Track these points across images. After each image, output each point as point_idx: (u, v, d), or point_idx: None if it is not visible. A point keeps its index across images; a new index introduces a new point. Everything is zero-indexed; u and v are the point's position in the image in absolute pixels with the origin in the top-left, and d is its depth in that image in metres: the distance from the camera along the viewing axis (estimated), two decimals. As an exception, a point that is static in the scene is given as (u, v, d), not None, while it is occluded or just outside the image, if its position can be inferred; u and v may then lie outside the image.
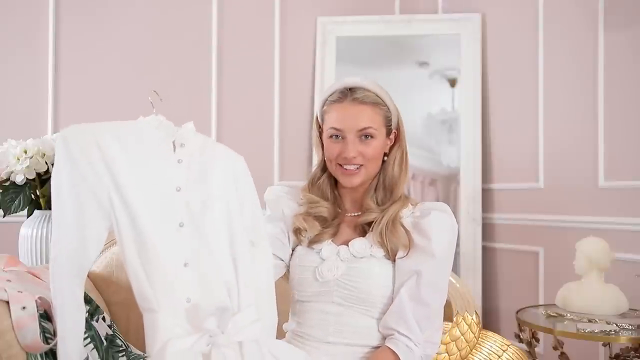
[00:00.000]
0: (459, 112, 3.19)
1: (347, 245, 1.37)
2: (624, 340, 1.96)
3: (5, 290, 1.08)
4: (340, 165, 1.38)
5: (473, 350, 1.57)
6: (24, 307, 1.06)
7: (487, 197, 3.14)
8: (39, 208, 1.77)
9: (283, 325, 1.45)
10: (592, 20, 2.67)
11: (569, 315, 2.16)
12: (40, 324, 1.05)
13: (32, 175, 1.71)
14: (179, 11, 3.16)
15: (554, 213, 2.84)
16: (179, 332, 1.08)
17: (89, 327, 1.15)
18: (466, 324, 1.59)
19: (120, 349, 1.22)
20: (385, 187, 1.42)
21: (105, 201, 1.07)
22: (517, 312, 2.29)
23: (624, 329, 1.99)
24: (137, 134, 1.14)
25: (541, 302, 2.84)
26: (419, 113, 3.24)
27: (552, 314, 2.19)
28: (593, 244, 2.21)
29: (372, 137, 1.37)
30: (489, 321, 3.10)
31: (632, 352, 2.05)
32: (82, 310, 1.06)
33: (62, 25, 3.03)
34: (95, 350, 1.14)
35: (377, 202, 1.41)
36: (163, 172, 1.14)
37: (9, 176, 1.73)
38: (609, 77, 2.61)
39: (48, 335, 1.06)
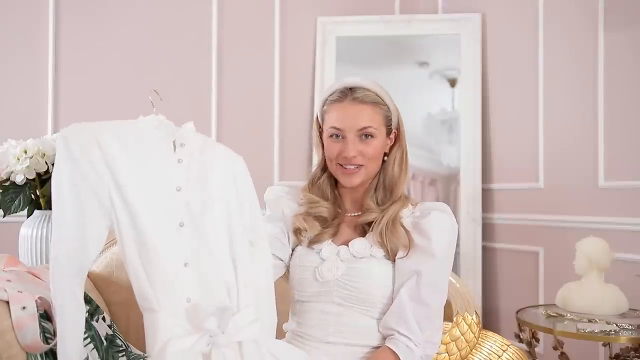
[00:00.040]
0: (459, 112, 3.19)
1: (347, 246, 1.37)
2: (624, 340, 1.96)
3: (5, 290, 1.08)
4: (341, 165, 1.38)
5: (473, 350, 1.57)
6: (24, 307, 1.06)
7: (487, 197, 3.14)
8: (39, 208, 1.77)
9: (283, 325, 1.45)
10: (592, 20, 2.67)
11: (569, 315, 2.16)
12: (40, 324, 1.05)
13: (32, 175, 1.71)
14: (179, 11, 3.16)
15: (554, 213, 2.84)
16: (179, 332, 1.08)
17: (89, 327, 1.15)
18: (466, 324, 1.59)
19: (120, 349, 1.22)
20: (385, 187, 1.41)
21: (105, 200, 1.07)
22: (517, 312, 2.29)
23: (624, 329, 1.99)
24: (137, 133, 1.14)
25: (541, 302, 2.84)
26: (419, 113, 3.24)
27: (552, 314, 2.19)
28: (593, 244, 2.21)
29: (372, 136, 1.37)
30: (489, 321, 3.10)
31: (632, 352, 2.05)
32: (82, 310, 1.06)
33: (62, 25, 3.03)
34: (95, 350, 1.14)
35: (377, 202, 1.41)
36: (163, 171, 1.14)
37: (9, 176, 1.73)
38: (609, 77, 2.61)
39: (48, 335, 1.06)
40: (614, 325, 2.01)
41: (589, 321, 2.07)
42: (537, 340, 2.25)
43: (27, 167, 1.69)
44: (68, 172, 1.05)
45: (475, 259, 3.08)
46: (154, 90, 1.23)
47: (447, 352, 1.55)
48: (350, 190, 1.44)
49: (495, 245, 3.13)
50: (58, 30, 3.02)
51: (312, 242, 1.40)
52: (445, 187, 3.24)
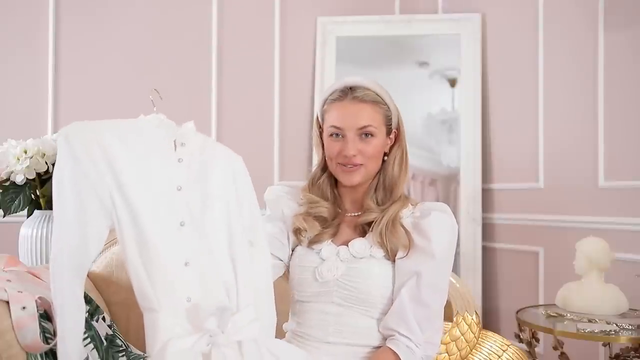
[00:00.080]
0: (459, 112, 3.19)
1: (347, 246, 1.37)
2: (624, 340, 1.96)
3: (5, 290, 1.08)
4: (341, 163, 1.38)
5: (473, 350, 1.57)
6: (24, 307, 1.06)
7: (487, 197, 3.14)
8: (39, 208, 1.77)
9: (283, 325, 1.45)
10: (592, 20, 2.67)
11: (569, 315, 2.16)
12: (40, 324, 1.05)
13: (32, 175, 1.71)
14: (179, 11, 3.16)
15: (554, 213, 2.84)
16: (179, 331, 1.07)
17: (89, 327, 1.15)
18: (466, 324, 1.59)
19: (120, 349, 1.22)
20: (385, 187, 1.41)
21: (106, 200, 1.07)
22: (517, 312, 2.29)
23: (624, 329, 1.99)
24: (138, 132, 1.14)
25: (541, 302, 2.84)
26: (419, 113, 3.24)
27: (552, 314, 2.19)
28: (593, 244, 2.21)
29: (372, 135, 1.37)
30: (489, 321, 3.10)
31: (632, 352, 2.05)
32: (82, 310, 1.06)
33: (62, 25, 3.03)
34: (95, 350, 1.14)
35: (377, 202, 1.40)
36: (164, 170, 1.14)
37: (9, 176, 1.73)
38: (609, 77, 2.61)
39: (48, 335, 1.06)
40: (614, 325, 2.01)
41: (589, 321, 2.07)
42: (537, 340, 2.25)
43: (27, 167, 1.69)
44: (69, 170, 1.05)
45: (475, 259, 3.08)
46: (155, 89, 1.23)
47: (447, 352, 1.55)
48: (350, 190, 1.44)
49: (495, 245, 3.13)
50: (58, 30, 3.02)
51: (312, 242, 1.40)
52: (445, 187, 3.24)
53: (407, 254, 1.34)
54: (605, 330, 1.97)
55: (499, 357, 1.55)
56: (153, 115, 1.18)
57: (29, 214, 1.78)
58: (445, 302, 1.41)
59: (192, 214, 1.15)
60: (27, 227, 1.74)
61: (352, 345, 1.34)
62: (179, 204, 1.14)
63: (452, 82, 3.23)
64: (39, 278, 1.24)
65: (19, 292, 1.09)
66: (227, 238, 1.18)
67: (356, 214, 1.43)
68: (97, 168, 1.06)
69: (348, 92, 1.38)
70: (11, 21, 2.96)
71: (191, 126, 1.19)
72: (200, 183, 1.17)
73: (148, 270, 1.08)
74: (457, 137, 3.19)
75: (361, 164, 1.37)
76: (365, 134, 1.36)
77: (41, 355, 1.05)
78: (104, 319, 1.27)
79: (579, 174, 2.73)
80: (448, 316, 1.58)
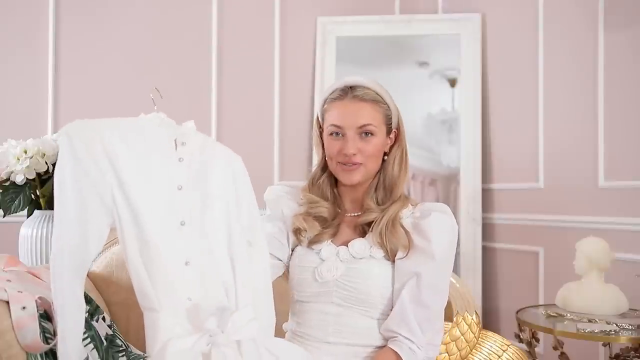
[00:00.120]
0: (459, 112, 3.19)
1: (347, 246, 1.37)
2: (624, 340, 1.96)
3: (5, 290, 1.08)
4: (341, 162, 1.38)
5: (473, 350, 1.57)
6: (24, 307, 1.06)
7: (487, 197, 3.14)
8: (39, 208, 1.77)
9: (283, 325, 1.45)
10: (592, 20, 2.67)
11: (569, 315, 2.16)
12: (40, 324, 1.05)
13: (32, 175, 1.71)
14: (179, 11, 3.16)
15: (554, 213, 2.84)
16: (179, 331, 1.07)
17: (89, 327, 1.15)
18: (466, 324, 1.59)
19: (120, 349, 1.22)
20: (385, 187, 1.41)
21: (107, 198, 1.07)
22: (517, 312, 2.29)
23: (624, 329, 1.99)
24: (139, 131, 1.14)
25: (541, 302, 2.84)
26: (419, 113, 3.24)
27: (552, 314, 2.19)
28: (593, 244, 2.21)
29: (372, 134, 1.37)
30: (489, 321, 3.10)
31: (632, 352, 2.05)
32: (82, 310, 1.06)
33: (62, 25, 3.03)
34: (95, 350, 1.14)
35: (377, 202, 1.40)
36: (165, 170, 1.14)
37: (9, 176, 1.73)
38: (609, 77, 2.61)
39: (48, 335, 1.06)
40: (614, 325, 2.01)
41: (589, 321, 2.07)
42: (537, 340, 2.25)
43: (27, 167, 1.69)
44: (71, 168, 1.05)
45: (475, 259, 3.08)
46: (155, 88, 1.23)
47: (447, 352, 1.55)
48: (350, 190, 1.44)
49: (495, 245, 3.13)
50: (58, 30, 3.02)
51: (311, 243, 1.39)
52: (445, 187, 3.24)
53: (406, 255, 1.34)
54: (605, 330, 1.97)
55: (499, 357, 1.55)
56: (154, 114, 1.18)
57: (29, 214, 1.78)
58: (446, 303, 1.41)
59: (192, 213, 1.15)
60: (27, 227, 1.74)
61: (352, 346, 1.34)
62: (179, 203, 1.14)
63: (452, 82, 3.23)
64: (39, 278, 1.24)
65: (19, 292, 1.09)
66: (226, 238, 1.18)
67: (356, 214, 1.43)
68: (98, 166, 1.07)
69: (348, 91, 1.38)
70: (11, 21, 2.96)
71: (191, 125, 1.19)
72: (200, 183, 1.17)
73: (149, 269, 1.08)
74: (457, 137, 3.19)
75: (361, 163, 1.37)
76: (365, 132, 1.36)
77: (41, 355, 1.05)
78: (104, 319, 1.27)
79: (579, 174, 2.73)
80: (448, 316, 1.58)
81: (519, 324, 2.24)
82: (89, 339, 1.14)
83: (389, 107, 1.40)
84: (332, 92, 1.41)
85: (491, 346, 1.58)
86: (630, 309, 2.19)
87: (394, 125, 1.42)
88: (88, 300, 1.19)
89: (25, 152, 1.70)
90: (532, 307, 2.40)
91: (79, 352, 1.04)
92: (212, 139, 1.27)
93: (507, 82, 3.10)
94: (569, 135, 2.79)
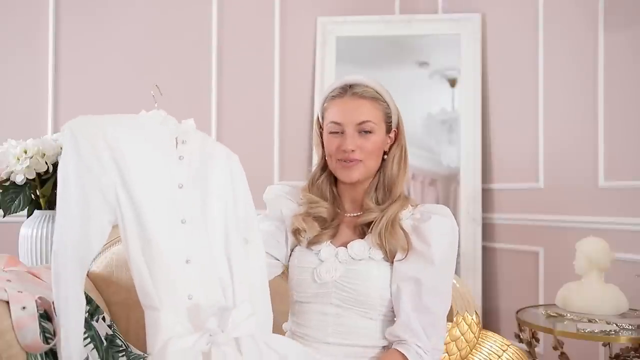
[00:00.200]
0: (459, 112, 3.19)
1: (346, 247, 1.37)
2: (624, 340, 1.96)
3: (5, 290, 1.08)
4: (340, 160, 1.38)
5: (473, 350, 1.57)
6: (24, 307, 1.06)
7: (487, 197, 3.14)
8: (39, 208, 1.77)
9: (282, 326, 1.45)
10: (592, 20, 2.67)
11: (569, 315, 2.16)
12: (40, 324, 1.05)
13: (32, 175, 1.71)
14: (179, 11, 3.16)
15: (554, 213, 2.84)
16: (180, 330, 1.07)
17: (89, 327, 1.15)
18: (466, 324, 1.59)
19: (120, 349, 1.22)
20: (385, 186, 1.41)
21: (110, 196, 1.07)
22: (517, 312, 2.29)
23: (624, 329, 1.99)
24: (140, 128, 1.14)
25: (541, 302, 2.84)
26: (419, 113, 3.24)
27: (552, 314, 2.19)
28: (593, 244, 2.21)
29: (371, 132, 1.37)
30: (489, 321, 3.10)
31: (632, 352, 2.05)
32: (83, 310, 1.07)
33: (62, 25, 3.03)
34: (95, 350, 1.15)
35: (376, 202, 1.40)
36: (166, 168, 1.14)
37: (9, 176, 1.73)
38: (609, 77, 2.61)
39: (48, 335, 1.06)
40: (614, 325, 2.01)
41: (589, 321, 2.07)
42: (537, 340, 2.25)
43: (27, 167, 1.69)
44: (74, 164, 1.05)
45: (475, 259, 3.08)
46: (156, 85, 1.23)
47: (447, 352, 1.55)
48: (350, 189, 1.43)
49: (495, 245, 3.13)
50: (58, 30, 3.02)
51: (311, 243, 1.39)
52: (445, 187, 3.24)
53: (405, 257, 1.33)
54: (605, 330, 1.97)
55: (499, 357, 1.55)
56: (155, 112, 1.18)
57: (29, 214, 1.78)
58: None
59: (193, 212, 1.15)
60: (27, 227, 1.74)
61: (351, 346, 1.33)
62: (180, 201, 1.14)
63: (452, 82, 3.23)
64: (39, 278, 1.24)
65: (19, 292, 1.09)
66: (224, 236, 1.18)
67: (355, 214, 1.43)
68: (100, 163, 1.07)
69: (348, 89, 1.38)
70: (11, 21, 2.96)
71: (192, 123, 1.20)
72: (200, 181, 1.18)
73: (150, 268, 1.08)
74: (457, 137, 3.19)
75: (360, 160, 1.37)
76: (364, 130, 1.36)
77: (41, 355, 1.05)
78: (104, 319, 1.27)
79: (579, 174, 2.73)
80: (448, 316, 1.57)
81: (519, 324, 2.24)
82: (89, 339, 1.14)
83: (388, 105, 1.40)
84: (332, 91, 1.41)
85: (491, 346, 1.58)
86: (630, 309, 2.19)
87: (393, 124, 1.42)
88: (88, 300, 1.19)
89: (25, 152, 1.70)
90: (532, 307, 2.40)
91: (79, 352, 1.05)
92: (210, 137, 1.28)
93: (507, 82, 3.10)
94: (569, 135, 2.79)
